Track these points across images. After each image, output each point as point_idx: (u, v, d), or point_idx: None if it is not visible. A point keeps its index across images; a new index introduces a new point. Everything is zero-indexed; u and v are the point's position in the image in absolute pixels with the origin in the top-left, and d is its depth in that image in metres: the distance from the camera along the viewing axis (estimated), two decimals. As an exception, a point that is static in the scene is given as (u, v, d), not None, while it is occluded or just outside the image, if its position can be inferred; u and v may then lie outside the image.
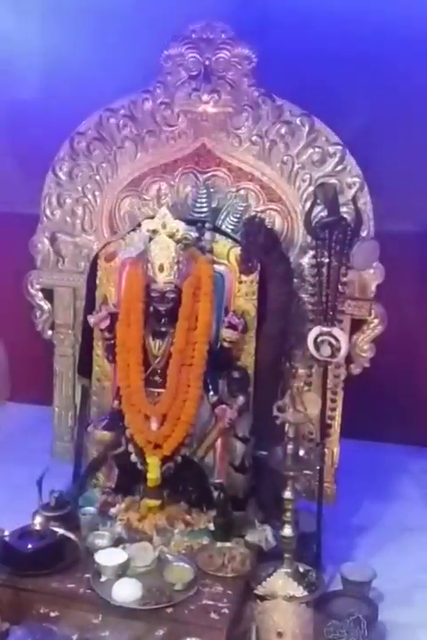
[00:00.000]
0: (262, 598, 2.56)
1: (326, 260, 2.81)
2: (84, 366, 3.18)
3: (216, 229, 3.06)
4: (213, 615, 2.44)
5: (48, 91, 4.00)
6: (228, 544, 2.76)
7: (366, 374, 3.13)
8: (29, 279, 3.42)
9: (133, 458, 2.91)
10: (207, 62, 3.18)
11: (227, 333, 2.92)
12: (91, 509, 2.89)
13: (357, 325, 3.11)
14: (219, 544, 2.76)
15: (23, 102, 4.06)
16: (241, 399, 2.90)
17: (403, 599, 2.77)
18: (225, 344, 2.93)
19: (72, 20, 3.96)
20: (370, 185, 3.08)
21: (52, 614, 2.49)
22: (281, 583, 2.62)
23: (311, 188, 3.07)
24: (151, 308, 2.91)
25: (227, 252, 3.01)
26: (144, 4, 3.82)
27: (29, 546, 2.63)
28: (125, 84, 3.40)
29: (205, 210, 3.12)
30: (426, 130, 3.68)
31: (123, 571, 2.57)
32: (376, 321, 3.11)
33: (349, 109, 3.57)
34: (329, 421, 2.93)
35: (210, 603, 2.48)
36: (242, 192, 3.19)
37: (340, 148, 3.10)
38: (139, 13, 3.82)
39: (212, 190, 3.18)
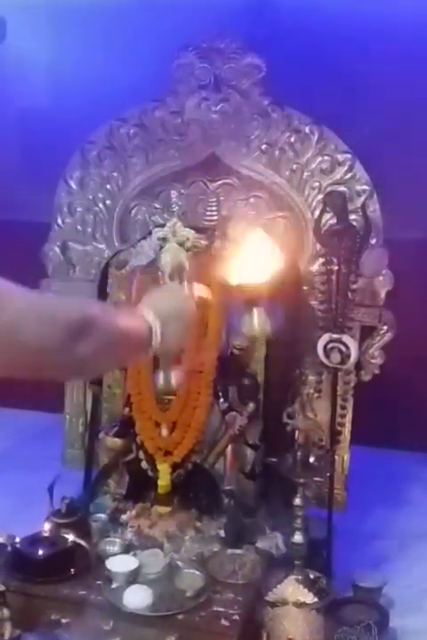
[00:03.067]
0: (273, 605, 2.55)
1: (336, 268, 2.82)
2: (95, 374, 3.20)
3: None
4: (223, 622, 2.43)
5: (59, 100, 4.03)
6: (238, 551, 2.75)
7: (375, 381, 3.13)
8: (41, 287, 3.43)
9: (144, 465, 2.92)
10: (217, 71, 3.19)
11: (237, 341, 2.93)
12: (102, 516, 2.89)
13: (366, 332, 3.11)
14: (229, 551, 2.75)
15: (34, 111, 4.10)
16: (251, 406, 2.91)
17: (414, 606, 2.77)
18: (235, 351, 2.94)
19: (83, 30, 4.00)
20: (379, 193, 3.09)
21: (63, 621, 2.49)
22: (292, 590, 2.61)
23: (321, 196, 3.08)
24: (162, 316, 2.91)
25: (237, 259, 3.02)
26: (155, 14, 3.85)
27: (40, 552, 2.63)
28: (136, 93, 3.43)
29: (215, 218, 3.13)
30: (436, 137, 3.71)
31: (134, 577, 2.57)
32: (386, 328, 3.11)
33: (358, 118, 3.59)
34: (339, 428, 2.94)
35: (221, 609, 2.47)
36: (252, 200, 3.21)
37: (349, 156, 3.11)
38: (150, 23, 3.85)
39: (222, 199, 3.20)
